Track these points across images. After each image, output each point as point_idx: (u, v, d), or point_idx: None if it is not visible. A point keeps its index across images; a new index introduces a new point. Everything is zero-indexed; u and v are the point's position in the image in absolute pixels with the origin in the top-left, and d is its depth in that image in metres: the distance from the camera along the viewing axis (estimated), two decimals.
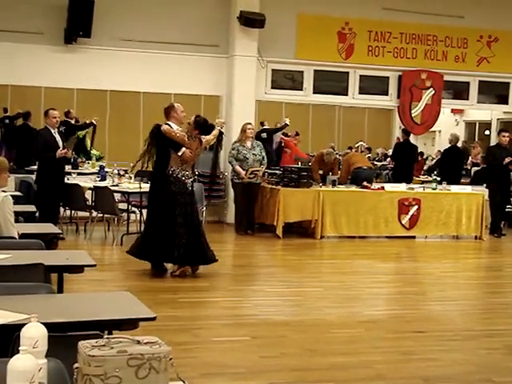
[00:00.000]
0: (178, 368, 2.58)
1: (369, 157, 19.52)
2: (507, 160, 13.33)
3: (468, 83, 15.12)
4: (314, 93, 14.32)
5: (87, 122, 15.49)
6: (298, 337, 6.29)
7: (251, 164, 12.16)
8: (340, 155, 17.26)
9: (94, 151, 16.86)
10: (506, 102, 15.60)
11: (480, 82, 15.11)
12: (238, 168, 12.11)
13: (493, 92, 15.71)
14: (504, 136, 14.01)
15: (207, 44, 13.42)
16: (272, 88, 14.03)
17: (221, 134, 8.81)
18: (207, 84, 13.63)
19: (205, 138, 8.59)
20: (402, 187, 12.80)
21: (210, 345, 5.91)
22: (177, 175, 8.36)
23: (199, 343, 5.92)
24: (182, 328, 6.34)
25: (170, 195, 8.35)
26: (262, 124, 17.33)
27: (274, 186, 12.29)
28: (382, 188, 12.63)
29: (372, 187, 12.47)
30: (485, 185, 13.65)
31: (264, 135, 15.65)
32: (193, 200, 8.61)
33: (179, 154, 8.30)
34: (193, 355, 5.50)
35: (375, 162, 19.82)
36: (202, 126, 8.55)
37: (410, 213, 12.40)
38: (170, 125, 8.60)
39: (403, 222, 12.39)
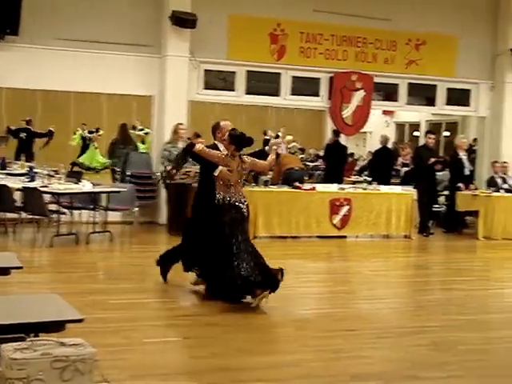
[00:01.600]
0: (107, 370, 2.56)
1: (302, 158, 19.67)
2: (432, 160, 13.64)
3: (397, 85, 15.41)
4: (247, 93, 14.39)
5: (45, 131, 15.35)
6: (230, 337, 6.27)
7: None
8: None
9: (100, 159, 16.70)
10: (433, 104, 15.95)
11: (409, 84, 15.40)
12: (169, 169, 12.04)
13: (421, 94, 16.02)
14: (430, 138, 14.32)
15: (139, 44, 13.32)
16: (204, 88, 14.02)
17: (277, 156, 8.23)
18: (139, 84, 13.50)
19: (260, 164, 7.81)
20: (333, 188, 12.95)
21: (140, 346, 5.84)
22: (228, 201, 7.56)
23: (129, 345, 5.84)
24: (112, 330, 6.25)
25: (224, 224, 7.52)
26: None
27: None
28: (314, 188, 12.73)
29: (304, 188, 12.56)
30: (413, 185, 13.94)
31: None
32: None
33: (215, 173, 7.53)
34: (122, 357, 5.42)
35: (307, 163, 19.97)
36: (238, 140, 7.58)
37: (341, 213, 12.55)
38: (217, 146, 7.88)
39: (334, 221, 12.53)
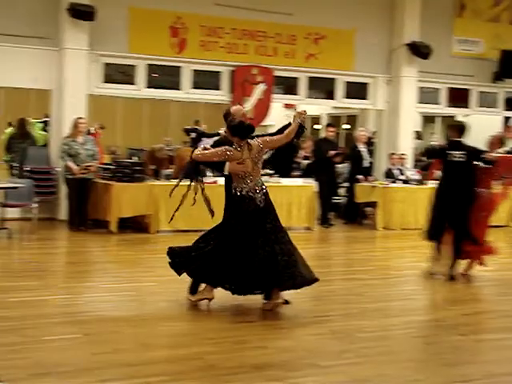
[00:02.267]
0: (5, 370, 2.52)
1: None
2: (332, 153, 13.92)
3: (298, 79, 15.63)
4: (147, 87, 14.30)
5: None
6: (131, 332, 6.25)
7: (83, 159, 11.98)
8: (171, 150, 17.30)
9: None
10: (333, 98, 16.24)
11: (309, 77, 15.65)
12: (70, 163, 11.87)
13: (321, 87, 16.28)
14: (330, 130, 14.63)
15: (36, 36, 13.06)
16: (105, 82, 13.85)
17: (301, 127, 7.26)
18: (37, 78, 13.20)
19: (276, 139, 7.28)
20: None
21: (39, 344, 5.75)
22: (242, 193, 7.24)
23: (28, 343, 5.74)
24: (10, 328, 6.13)
25: (241, 216, 7.24)
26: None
27: (107, 181, 12.15)
28: (215, 182, 12.75)
29: (206, 181, 12.55)
30: (314, 177, 14.17)
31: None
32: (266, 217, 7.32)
33: (225, 172, 7.31)
34: (21, 356, 5.33)
35: None
36: (238, 129, 7.16)
37: None
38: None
39: None
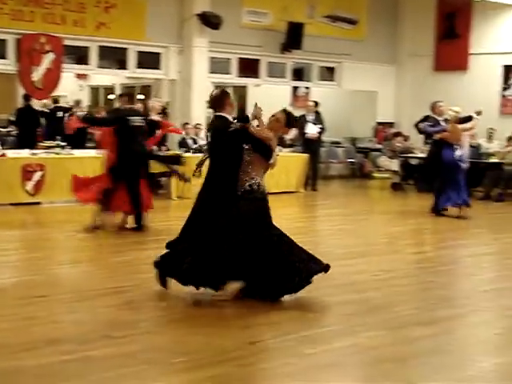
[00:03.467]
0: None
1: None
2: None
3: (88, 48, 15.31)
4: None
5: None
6: None
7: None
8: None
9: None
10: (125, 67, 16.11)
11: (100, 47, 15.39)
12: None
13: (113, 57, 16.11)
14: (123, 100, 14.55)
15: None
16: None
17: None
18: None
19: None
20: (24, 153, 12.64)
21: None
22: (263, 189, 6.74)
23: None
24: None
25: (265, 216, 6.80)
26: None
27: None
28: (4, 155, 12.35)
29: None
30: None
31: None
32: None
33: (271, 161, 6.74)
34: None
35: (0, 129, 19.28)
36: (293, 121, 6.94)
37: (34, 178, 12.31)
38: (226, 117, 6.89)
39: (27, 188, 12.26)
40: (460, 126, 12.44)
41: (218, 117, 6.86)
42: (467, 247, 10.61)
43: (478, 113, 12.61)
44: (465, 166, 12.94)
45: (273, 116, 6.81)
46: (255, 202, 6.69)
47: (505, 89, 18.81)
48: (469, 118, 12.97)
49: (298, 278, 6.59)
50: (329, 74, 19.67)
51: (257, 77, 18.31)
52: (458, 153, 12.90)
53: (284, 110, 6.87)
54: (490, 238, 11.69)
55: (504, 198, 15.94)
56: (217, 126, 6.90)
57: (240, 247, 6.53)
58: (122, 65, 16.18)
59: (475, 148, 16.43)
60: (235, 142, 6.71)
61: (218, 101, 6.91)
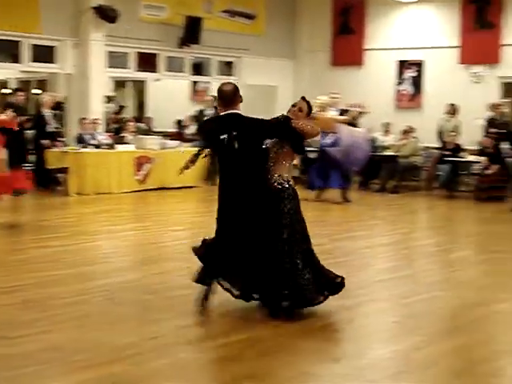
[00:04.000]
0: None
1: None
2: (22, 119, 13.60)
3: None
4: None
5: None
6: None
7: None
8: None
9: None
10: (19, 61, 15.69)
11: None
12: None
13: (6, 50, 15.67)
14: (19, 95, 14.27)
15: None
16: None
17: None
18: None
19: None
20: None
21: None
22: (291, 183, 6.46)
23: None
24: None
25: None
26: None
27: None
28: None
29: None
30: None
31: None
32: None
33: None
34: None
35: None
36: (311, 109, 6.72)
37: None
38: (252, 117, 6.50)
39: None
40: (328, 115, 12.82)
41: (237, 115, 6.43)
42: (364, 238, 10.85)
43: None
44: (336, 152, 13.79)
45: (293, 106, 6.59)
46: (294, 200, 6.46)
47: (399, 83, 19.21)
48: (346, 111, 14.07)
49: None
50: (228, 68, 19.68)
51: (156, 71, 18.20)
52: (327, 140, 13.78)
53: (304, 98, 6.70)
54: (385, 229, 12.03)
55: (399, 189, 16.48)
56: (255, 124, 6.47)
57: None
58: (15, 58, 15.76)
59: (372, 140, 16.91)
60: (275, 136, 6.48)
61: (232, 96, 6.46)
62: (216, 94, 6.52)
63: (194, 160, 6.81)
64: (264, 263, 6.24)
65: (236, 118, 6.38)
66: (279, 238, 6.27)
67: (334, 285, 6.45)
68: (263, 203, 6.36)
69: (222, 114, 6.44)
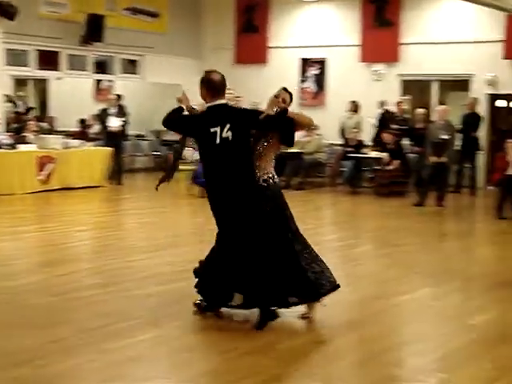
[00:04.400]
0: None
1: None
2: None
3: None
4: None
5: None
6: None
7: None
8: None
9: None
10: None
11: None
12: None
13: None
14: None
15: None
16: None
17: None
18: None
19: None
20: None
21: None
22: (276, 180, 6.24)
23: None
24: None
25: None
26: None
27: None
28: None
29: None
30: None
31: None
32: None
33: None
34: None
35: None
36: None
37: None
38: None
39: None
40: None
41: (227, 106, 6.19)
42: None
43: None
44: None
45: (276, 97, 6.16)
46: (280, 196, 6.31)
47: (302, 81, 19.55)
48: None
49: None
50: (132, 66, 19.71)
51: (58, 70, 18.03)
52: None
53: (285, 89, 6.30)
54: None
55: (304, 186, 16.74)
56: (249, 115, 6.27)
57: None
58: None
59: None
60: (270, 128, 6.17)
61: (222, 86, 6.14)
62: (203, 84, 6.09)
63: (172, 170, 6.75)
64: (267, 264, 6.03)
65: (228, 109, 6.11)
66: (284, 238, 6.14)
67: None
68: (255, 200, 6.09)
69: (209, 104, 6.07)
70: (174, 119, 6.35)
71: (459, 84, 17.97)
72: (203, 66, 20.34)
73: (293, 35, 19.67)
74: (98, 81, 20.08)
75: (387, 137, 16.02)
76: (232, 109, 6.21)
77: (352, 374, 5.19)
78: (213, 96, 6.02)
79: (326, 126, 17.68)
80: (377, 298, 7.13)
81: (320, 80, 19.51)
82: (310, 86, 19.60)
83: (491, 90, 17.30)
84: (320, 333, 6.00)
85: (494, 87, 17.27)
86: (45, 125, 18.11)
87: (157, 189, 6.63)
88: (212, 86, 6.03)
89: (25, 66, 17.20)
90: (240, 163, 6.03)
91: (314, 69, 19.57)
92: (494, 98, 17.47)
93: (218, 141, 5.91)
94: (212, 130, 5.92)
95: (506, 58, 16.90)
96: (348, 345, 5.75)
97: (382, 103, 17.30)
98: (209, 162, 6.10)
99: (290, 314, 6.23)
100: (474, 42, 17.30)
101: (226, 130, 5.92)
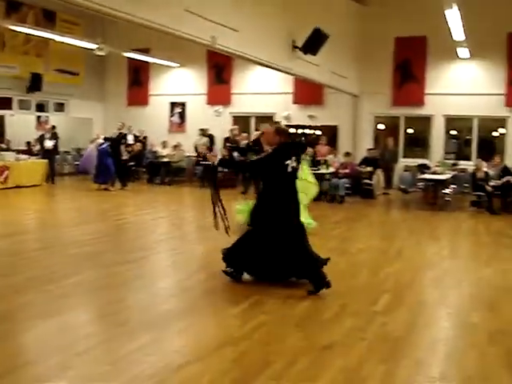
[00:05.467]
0: None
1: None
2: None
3: None
4: None
5: None
6: None
7: None
8: None
9: None
10: None
11: None
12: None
13: None
14: None
15: None
16: None
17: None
18: None
19: None
20: None
21: None
22: None
23: None
24: None
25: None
26: None
27: None
28: None
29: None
30: None
31: None
32: None
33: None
34: None
35: None
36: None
37: None
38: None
39: None
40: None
41: (292, 143, 6.15)
42: (150, 214, 11.25)
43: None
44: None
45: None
46: None
47: (171, 116, 20.65)
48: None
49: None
50: (61, 107, 20.12)
51: (11, 109, 18.26)
52: (103, 146, 14.74)
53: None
54: (162, 209, 12.29)
55: (171, 183, 17.47)
56: (301, 148, 6.42)
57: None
58: None
59: (154, 152, 18.47)
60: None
61: (278, 133, 5.91)
62: (281, 133, 6.03)
63: (216, 201, 6.09)
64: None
65: (293, 146, 6.05)
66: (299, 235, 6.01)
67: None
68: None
69: (279, 144, 5.86)
70: (257, 163, 5.99)
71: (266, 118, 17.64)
72: (106, 106, 21.58)
73: (166, 87, 20.65)
74: (39, 116, 19.70)
75: (225, 151, 16.55)
76: (293, 145, 6.12)
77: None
78: (285, 139, 5.94)
79: (186, 145, 18.72)
80: None
81: (182, 115, 20.49)
82: (176, 119, 20.68)
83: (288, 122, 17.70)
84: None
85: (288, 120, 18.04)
86: (3, 145, 17.73)
87: (216, 228, 6.10)
88: (286, 132, 6.07)
89: None
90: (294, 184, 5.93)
91: (179, 108, 20.60)
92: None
93: (290, 170, 5.85)
94: (286, 162, 5.82)
95: (295, 103, 18.15)
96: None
97: (206, 130, 18.19)
98: (278, 185, 5.87)
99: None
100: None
101: (294, 161, 5.87)
